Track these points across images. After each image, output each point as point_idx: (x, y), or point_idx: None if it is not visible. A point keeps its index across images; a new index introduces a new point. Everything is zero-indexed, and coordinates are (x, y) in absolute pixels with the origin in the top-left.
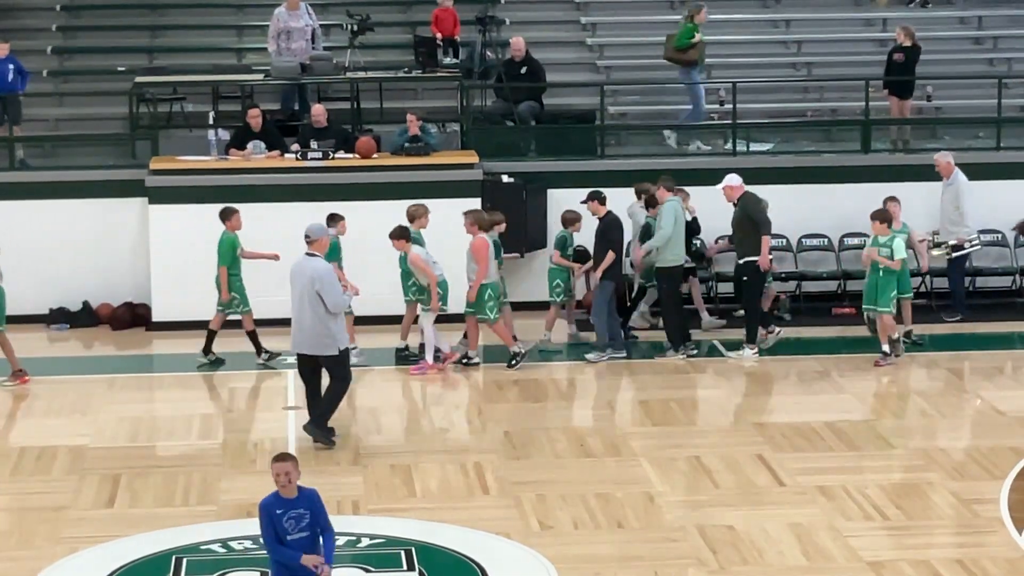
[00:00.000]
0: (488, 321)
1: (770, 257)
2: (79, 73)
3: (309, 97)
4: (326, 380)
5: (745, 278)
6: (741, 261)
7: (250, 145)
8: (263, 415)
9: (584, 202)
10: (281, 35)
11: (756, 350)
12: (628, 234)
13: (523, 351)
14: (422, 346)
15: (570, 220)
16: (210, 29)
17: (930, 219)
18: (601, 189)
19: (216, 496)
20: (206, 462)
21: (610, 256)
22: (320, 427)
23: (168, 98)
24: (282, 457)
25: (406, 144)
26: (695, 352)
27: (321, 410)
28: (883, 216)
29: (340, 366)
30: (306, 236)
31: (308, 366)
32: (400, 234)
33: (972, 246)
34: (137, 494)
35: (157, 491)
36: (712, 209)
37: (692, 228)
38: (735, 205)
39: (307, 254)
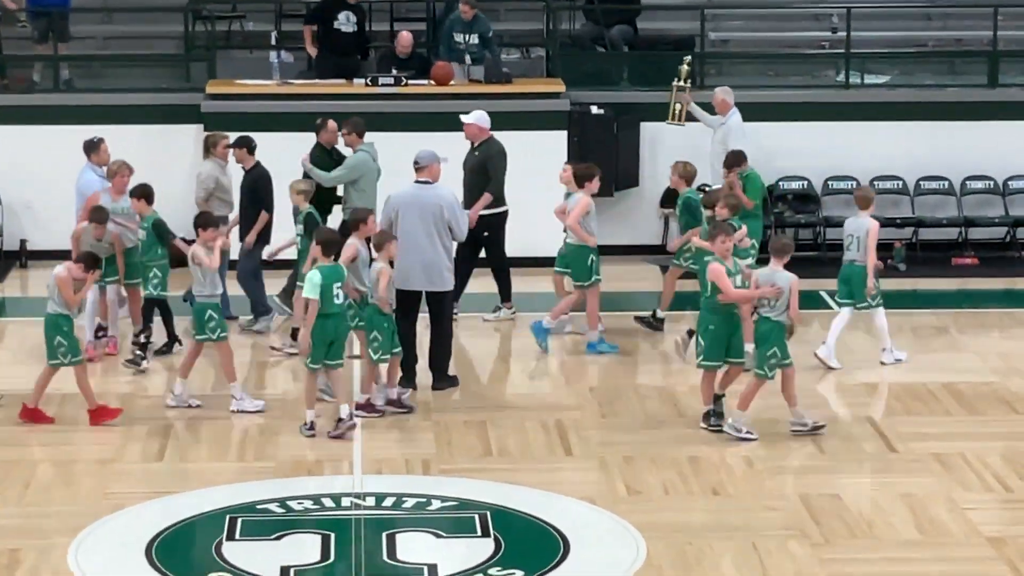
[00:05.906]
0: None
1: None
2: None
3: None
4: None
5: (486, 233)
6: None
7: (341, 15)
8: None
9: (230, 147)
10: None
11: (513, 308)
12: None
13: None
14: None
15: None
16: None
17: None
18: (250, 135)
19: (274, 451)
20: (264, 415)
21: (263, 217)
22: (447, 378)
23: (227, 16)
24: None
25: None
26: None
27: (441, 362)
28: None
29: (448, 304)
30: (415, 162)
31: (412, 305)
32: (141, 192)
33: None
34: (188, 447)
35: (210, 445)
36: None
37: None
38: (474, 148)
39: (419, 182)
